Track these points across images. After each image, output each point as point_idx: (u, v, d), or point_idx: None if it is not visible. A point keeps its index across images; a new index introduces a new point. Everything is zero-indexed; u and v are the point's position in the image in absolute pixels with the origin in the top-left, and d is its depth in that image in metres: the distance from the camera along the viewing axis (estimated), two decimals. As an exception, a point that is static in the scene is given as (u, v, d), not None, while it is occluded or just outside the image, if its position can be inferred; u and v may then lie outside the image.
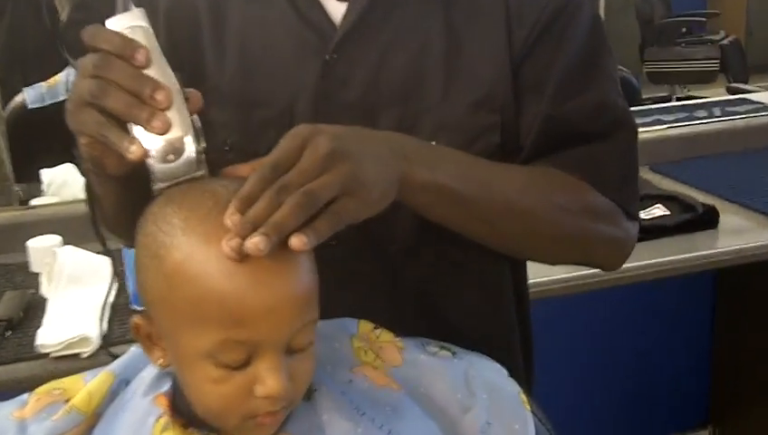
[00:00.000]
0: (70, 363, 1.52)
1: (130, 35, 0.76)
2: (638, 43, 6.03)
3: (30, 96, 2.37)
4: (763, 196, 2.24)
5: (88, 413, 0.82)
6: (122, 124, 0.75)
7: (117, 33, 0.76)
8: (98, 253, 1.58)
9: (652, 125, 2.64)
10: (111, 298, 1.70)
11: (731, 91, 4.14)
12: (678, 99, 5.25)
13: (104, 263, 1.77)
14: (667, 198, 2.19)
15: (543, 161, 0.95)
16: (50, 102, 2.33)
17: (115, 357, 0.89)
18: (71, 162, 2.08)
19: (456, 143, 0.91)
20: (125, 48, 0.75)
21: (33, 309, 1.72)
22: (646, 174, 2.44)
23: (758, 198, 2.23)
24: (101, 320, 1.08)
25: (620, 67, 2.56)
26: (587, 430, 2.24)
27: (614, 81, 0.99)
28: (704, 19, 6.41)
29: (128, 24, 0.77)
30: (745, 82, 4.95)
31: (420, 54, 0.94)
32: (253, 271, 0.69)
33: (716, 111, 2.78)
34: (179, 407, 0.80)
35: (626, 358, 2.51)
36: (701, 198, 2.21)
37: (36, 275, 1.88)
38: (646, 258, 1.91)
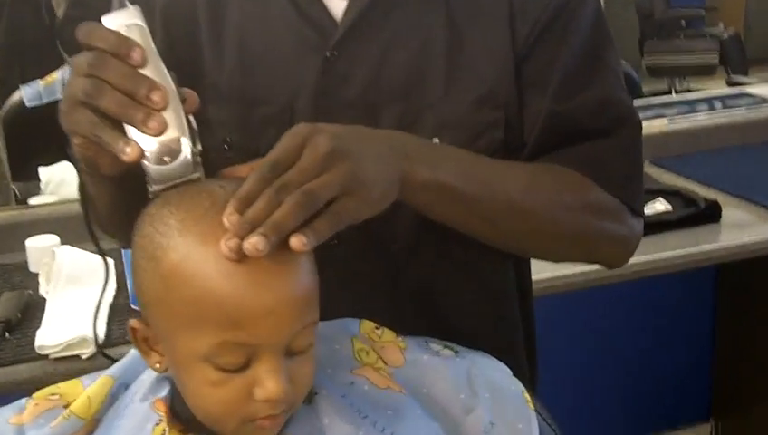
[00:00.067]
0: (70, 365, 1.51)
1: (126, 34, 0.75)
2: (638, 36, 6.03)
3: (27, 94, 2.36)
4: (765, 189, 2.23)
5: (87, 419, 0.81)
6: (117, 124, 0.74)
7: (112, 32, 0.75)
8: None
9: (653, 119, 2.63)
10: (107, 300, 1.68)
11: (731, 84, 4.14)
12: (677, 92, 5.25)
13: (102, 263, 1.76)
14: (668, 193, 2.17)
15: (547, 158, 0.94)
16: (47, 100, 2.32)
17: (111, 359, 0.88)
18: (68, 160, 2.06)
19: (459, 140, 0.91)
20: (120, 47, 0.74)
21: (32, 309, 1.71)
22: (647, 168, 2.42)
23: (761, 191, 2.21)
24: (95, 323, 1.08)
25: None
26: (588, 425, 2.24)
27: (618, 76, 0.99)
28: (702, 12, 6.41)
29: (124, 21, 0.76)
30: (745, 75, 4.95)
31: (422, 51, 0.93)
32: (251, 272, 0.68)
33: (717, 105, 2.77)
34: (178, 411, 0.79)
35: (627, 353, 2.50)
36: (703, 192, 2.20)
37: (35, 274, 1.87)
38: (648, 253, 1.89)
